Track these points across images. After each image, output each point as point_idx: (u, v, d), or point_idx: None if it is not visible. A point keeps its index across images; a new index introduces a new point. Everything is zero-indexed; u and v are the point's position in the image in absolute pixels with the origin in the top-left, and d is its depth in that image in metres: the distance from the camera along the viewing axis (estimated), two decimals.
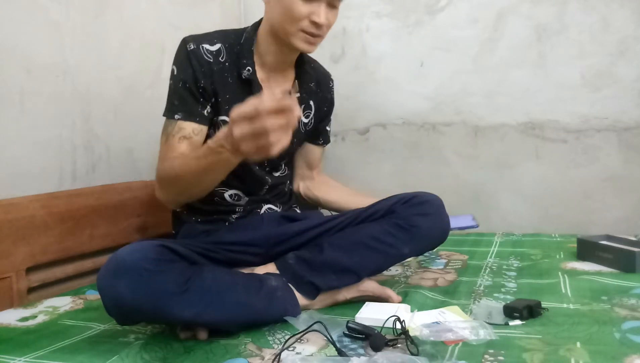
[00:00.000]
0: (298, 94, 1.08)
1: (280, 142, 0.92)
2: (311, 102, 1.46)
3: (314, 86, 1.45)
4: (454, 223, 1.53)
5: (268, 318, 1.14)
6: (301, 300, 1.22)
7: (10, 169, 1.44)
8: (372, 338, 0.99)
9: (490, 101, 2.24)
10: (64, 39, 1.58)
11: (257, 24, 1.36)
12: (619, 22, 2.08)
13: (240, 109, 0.92)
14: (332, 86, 1.55)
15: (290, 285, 1.22)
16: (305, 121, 1.46)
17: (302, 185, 1.61)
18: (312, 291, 1.23)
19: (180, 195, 1.28)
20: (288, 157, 1.48)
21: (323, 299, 1.25)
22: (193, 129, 1.27)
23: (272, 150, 0.93)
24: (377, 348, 0.97)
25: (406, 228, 1.28)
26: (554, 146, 2.18)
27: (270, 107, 0.89)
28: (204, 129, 1.29)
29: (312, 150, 1.58)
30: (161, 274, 1.00)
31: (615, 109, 2.10)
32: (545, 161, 2.19)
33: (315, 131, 1.54)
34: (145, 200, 1.77)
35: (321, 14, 1.22)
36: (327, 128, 1.58)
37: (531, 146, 2.20)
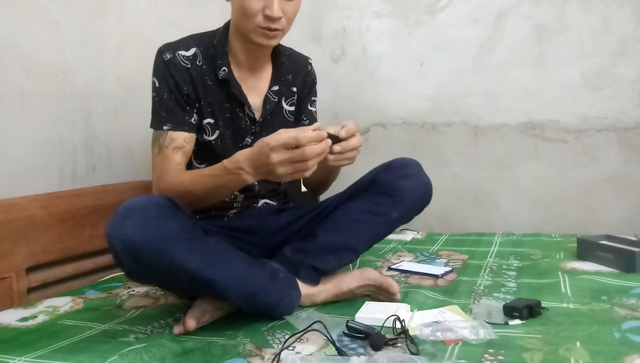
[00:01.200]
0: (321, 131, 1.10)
1: (314, 166, 1.08)
2: (294, 89, 1.46)
3: (291, 78, 1.44)
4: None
5: (271, 296, 1.14)
6: (304, 288, 1.23)
7: (10, 169, 1.44)
8: (372, 338, 0.99)
9: (490, 101, 2.24)
10: (64, 39, 1.58)
11: (229, 24, 1.36)
12: (619, 22, 2.08)
13: (280, 138, 1.05)
14: (311, 68, 1.51)
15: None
16: (291, 109, 1.46)
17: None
18: (313, 276, 1.24)
19: (187, 206, 1.30)
20: None
21: (326, 289, 1.26)
22: (184, 138, 1.29)
23: (306, 174, 1.08)
24: (377, 347, 0.97)
25: (389, 194, 1.31)
26: (554, 146, 2.18)
27: (311, 138, 1.05)
28: (193, 136, 1.31)
29: None
30: (168, 218, 1.04)
31: (615, 109, 2.10)
32: (545, 161, 2.19)
33: (298, 114, 1.50)
34: None
35: (273, 7, 1.20)
36: (310, 108, 1.52)
37: (531, 146, 2.20)
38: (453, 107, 2.28)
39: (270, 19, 1.22)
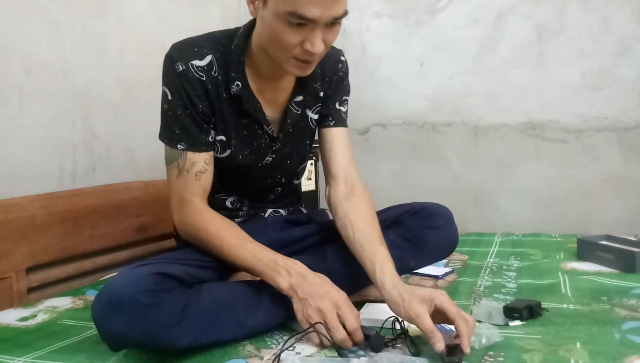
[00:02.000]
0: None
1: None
2: (322, 94, 1.29)
3: (319, 85, 1.28)
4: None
5: (270, 327, 1.12)
6: None
7: (10, 169, 1.44)
8: (372, 339, 0.98)
9: (490, 101, 2.24)
10: (64, 39, 1.58)
11: (250, 28, 1.19)
12: (619, 22, 2.08)
13: (345, 311, 1.01)
14: (342, 65, 1.32)
15: None
16: (316, 117, 1.30)
17: (327, 195, 1.30)
18: None
19: (202, 247, 1.19)
20: (305, 161, 1.39)
21: None
22: (205, 160, 1.18)
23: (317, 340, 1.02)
24: (376, 349, 0.97)
25: (413, 242, 1.25)
26: (554, 146, 2.18)
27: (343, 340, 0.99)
28: (211, 153, 1.20)
29: (324, 138, 1.30)
30: (156, 306, 0.95)
31: (615, 109, 2.10)
32: (545, 161, 2.19)
33: (322, 117, 1.31)
34: (145, 200, 1.77)
35: (315, 41, 1.03)
36: (339, 107, 1.30)
37: (531, 146, 2.20)
38: (453, 107, 2.28)
39: (309, 53, 1.05)
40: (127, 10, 1.81)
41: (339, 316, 1.01)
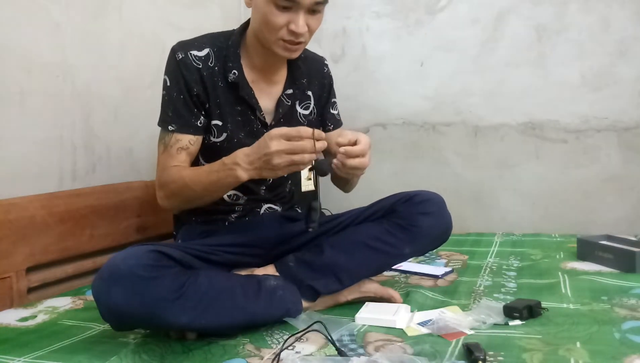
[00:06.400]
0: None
1: (309, 162, 1.10)
2: (309, 93, 1.44)
3: (305, 81, 1.42)
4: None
5: (268, 319, 1.13)
6: (302, 301, 1.21)
7: (10, 169, 1.44)
8: (317, 163, 1.13)
9: (490, 101, 2.24)
10: (64, 39, 1.58)
11: (246, 25, 1.34)
12: (619, 22, 2.08)
13: (282, 129, 1.08)
14: (327, 70, 1.51)
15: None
16: (306, 113, 1.43)
17: None
18: (313, 295, 1.22)
19: (185, 204, 1.30)
20: None
21: (324, 301, 1.25)
22: (189, 140, 1.29)
23: (301, 167, 1.12)
24: (322, 172, 1.15)
25: (407, 228, 1.27)
26: (554, 146, 2.18)
27: (311, 133, 1.08)
28: (199, 138, 1.30)
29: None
30: (155, 280, 0.99)
31: (615, 109, 2.10)
32: (545, 161, 2.19)
33: (322, 120, 1.49)
34: (145, 200, 1.77)
35: (299, 22, 1.19)
36: (333, 111, 1.52)
37: (531, 146, 2.20)
38: (453, 107, 2.28)
39: (294, 33, 1.20)
40: (127, 10, 1.81)
41: (293, 152, 1.08)
